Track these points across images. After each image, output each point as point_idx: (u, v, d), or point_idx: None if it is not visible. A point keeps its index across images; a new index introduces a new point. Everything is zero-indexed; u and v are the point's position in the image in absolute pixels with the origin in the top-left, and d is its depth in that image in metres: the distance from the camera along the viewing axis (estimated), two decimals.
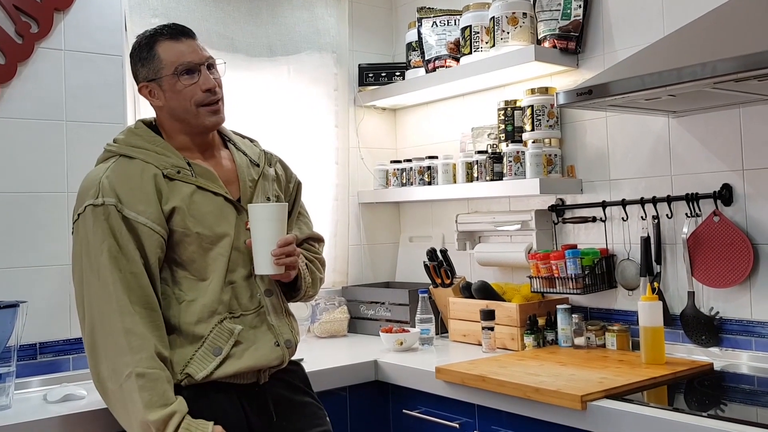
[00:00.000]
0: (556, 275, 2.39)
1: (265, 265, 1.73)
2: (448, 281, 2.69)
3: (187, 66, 1.75)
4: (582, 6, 2.42)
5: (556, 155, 2.49)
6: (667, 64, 1.73)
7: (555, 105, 2.47)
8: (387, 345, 2.50)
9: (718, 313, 2.13)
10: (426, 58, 2.85)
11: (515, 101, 2.61)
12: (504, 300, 2.53)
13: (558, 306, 2.38)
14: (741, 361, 2.07)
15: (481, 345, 2.43)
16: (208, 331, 1.70)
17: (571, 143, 2.53)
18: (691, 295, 2.17)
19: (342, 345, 2.72)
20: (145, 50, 1.78)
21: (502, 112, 2.62)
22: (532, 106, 2.51)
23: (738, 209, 2.10)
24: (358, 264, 3.14)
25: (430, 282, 2.76)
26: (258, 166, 1.90)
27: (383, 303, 2.85)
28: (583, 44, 2.48)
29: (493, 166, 2.57)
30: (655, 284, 2.19)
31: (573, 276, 2.34)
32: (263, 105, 2.84)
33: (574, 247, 2.42)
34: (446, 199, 2.92)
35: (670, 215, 2.25)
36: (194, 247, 1.72)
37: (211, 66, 1.80)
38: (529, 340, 2.37)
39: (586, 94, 1.91)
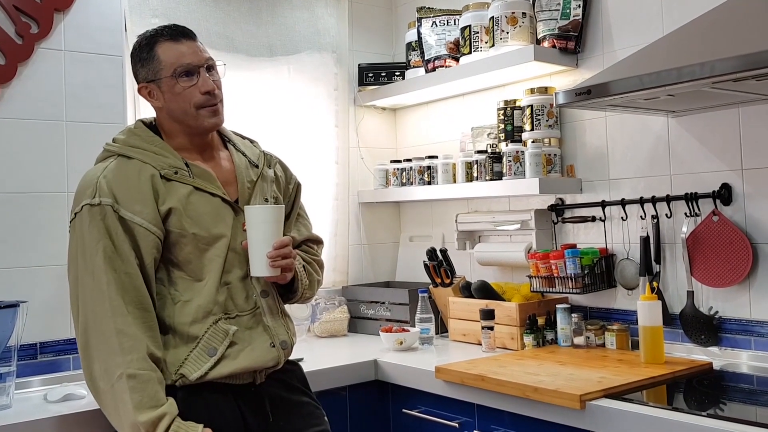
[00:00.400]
0: (555, 275, 2.39)
1: (260, 267, 1.73)
2: (447, 281, 2.69)
3: (186, 68, 1.74)
4: (581, 6, 2.43)
5: (555, 155, 2.50)
6: (666, 63, 1.73)
7: (554, 105, 2.48)
8: (387, 344, 2.50)
9: (717, 312, 2.14)
10: (426, 58, 2.85)
11: (515, 101, 2.61)
12: (504, 299, 2.53)
13: (557, 305, 2.38)
14: (740, 360, 2.07)
15: (480, 344, 2.43)
16: (203, 331, 1.69)
17: (571, 143, 2.54)
18: (691, 294, 2.18)
19: (342, 344, 2.72)
20: (145, 51, 1.78)
21: (502, 111, 2.62)
22: (531, 106, 2.51)
23: (737, 209, 2.10)
24: (358, 263, 3.14)
25: (430, 281, 2.76)
26: (257, 167, 1.90)
27: (383, 302, 2.85)
28: (583, 44, 2.48)
29: (492, 165, 2.58)
30: (655, 284, 2.20)
31: (572, 275, 2.35)
32: (263, 105, 2.84)
33: (574, 246, 2.43)
34: (446, 198, 2.92)
35: (669, 215, 2.25)
36: (190, 247, 1.71)
37: (210, 68, 1.80)
38: (528, 339, 2.37)
39: (585, 94, 1.91)
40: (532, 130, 2.51)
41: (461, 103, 2.99)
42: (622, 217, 2.37)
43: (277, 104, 2.88)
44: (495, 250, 2.71)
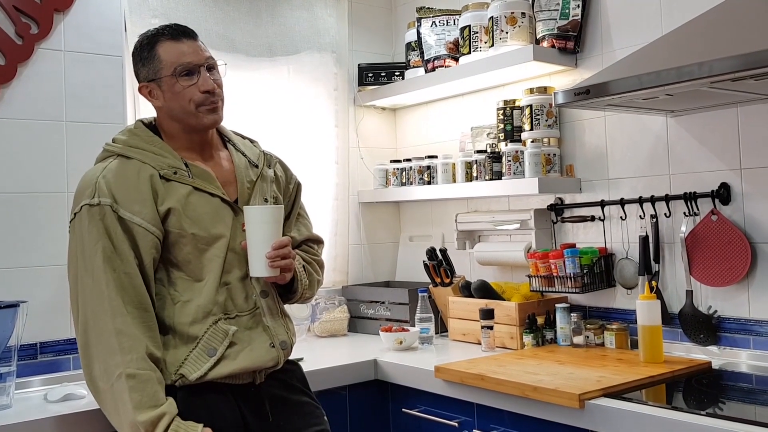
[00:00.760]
0: (555, 274, 2.40)
1: (259, 267, 1.73)
2: (447, 280, 2.69)
3: (186, 67, 1.74)
4: (580, 6, 2.43)
5: (554, 154, 2.50)
6: (665, 63, 1.74)
7: (554, 104, 2.47)
8: (387, 344, 2.51)
9: (716, 311, 2.14)
10: (425, 58, 2.86)
11: (514, 101, 2.62)
12: (503, 299, 2.53)
13: (557, 305, 2.38)
14: (739, 359, 2.07)
15: (480, 344, 2.44)
16: (203, 331, 1.70)
17: (570, 142, 2.54)
18: (690, 293, 2.18)
19: (342, 344, 2.72)
20: (146, 50, 1.78)
21: (501, 111, 2.63)
22: (530, 106, 2.51)
23: (736, 208, 2.10)
24: (358, 263, 3.15)
25: (429, 281, 2.77)
26: (257, 167, 1.90)
27: (383, 302, 2.86)
28: (582, 44, 2.48)
29: (492, 165, 2.58)
30: (654, 283, 2.20)
31: (572, 275, 2.35)
32: (263, 105, 2.84)
33: (573, 246, 2.43)
34: (446, 198, 2.92)
35: (668, 214, 2.25)
36: (190, 248, 1.72)
37: (211, 67, 1.79)
38: (528, 339, 2.38)
39: (584, 94, 1.92)
40: (531, 129, 2.51)
41: (461, 103, 2.99)
42: (621, 217, 2.37)
43: (277, 104, 2.88)
44: (494, 250, 2.71)
